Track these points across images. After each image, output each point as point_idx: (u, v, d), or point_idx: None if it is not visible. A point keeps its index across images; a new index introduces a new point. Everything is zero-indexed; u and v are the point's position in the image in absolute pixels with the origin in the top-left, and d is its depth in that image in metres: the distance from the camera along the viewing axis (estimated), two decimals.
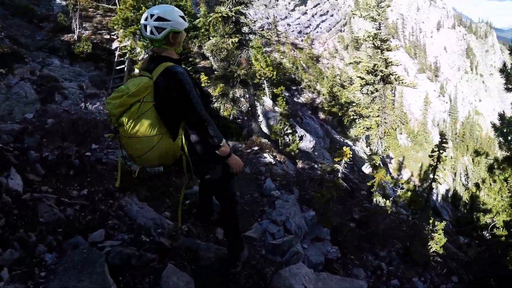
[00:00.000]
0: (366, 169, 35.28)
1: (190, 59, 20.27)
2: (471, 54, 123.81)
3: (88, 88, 10.97)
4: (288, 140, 14.34)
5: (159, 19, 3.46)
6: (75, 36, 20.22)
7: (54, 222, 4.74)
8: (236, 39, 14.58)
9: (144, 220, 5.15)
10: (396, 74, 16.40)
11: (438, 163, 13.94)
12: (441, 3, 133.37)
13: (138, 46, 19.29)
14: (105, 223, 4.99)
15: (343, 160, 9.33)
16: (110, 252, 4.27)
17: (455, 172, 74.29)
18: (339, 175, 9.41)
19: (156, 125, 3.42)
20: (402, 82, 16.62)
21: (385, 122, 16.43)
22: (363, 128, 16.80)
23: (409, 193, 17.21)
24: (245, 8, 14.97)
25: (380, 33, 16.60)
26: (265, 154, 8.57)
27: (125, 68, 19.25)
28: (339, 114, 41.41)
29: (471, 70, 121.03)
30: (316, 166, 10.78)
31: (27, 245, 4.18)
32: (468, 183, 63.60)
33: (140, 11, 18.37)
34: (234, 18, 14.45)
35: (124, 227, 4.99)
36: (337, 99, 43.10)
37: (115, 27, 19.70)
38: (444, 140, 14.05)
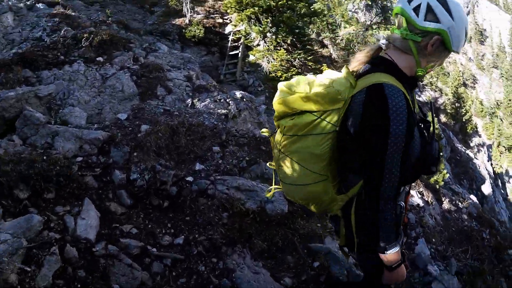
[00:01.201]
0: (487, 188, 31.17)
1: (308, 47, 18.41)
2: None
3: (198, 77, 9.54)
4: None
5: (444, 3, 1.95)
6: (187, 20, 19.17)
7: None
8: (389, 32, 12.22)
9: None
10: None
11: None
12: None
13: (253, 31, 17.78)
14: None
15: None
16: None
17: None
18: None
19: (322, 162, 2.10)
20: None
21: None
22: None
23: None
24: None
25: None
26: (412, 192, 6.47)
27: (239, 54, 17.92)
28: (463, 120, 37.04)
29: None
30: (460, 205, 8.45)
31: None
32: None
33: None
34: (381, 3, 12.24)
35: None
36: (462, 101, 38.55)
37: (228, 11, 18.40)
38: None
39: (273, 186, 2.55)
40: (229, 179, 4.63)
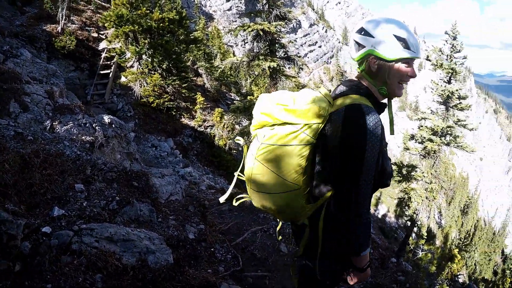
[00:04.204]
0: None
1: (183, 74, 17.95)
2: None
3: (62, 95, 8.47)
4: None
5: (362, 30, 2.26)
6: (59, 28, 17.55)
7: None
8: (275, 64, 12.17)
9: None
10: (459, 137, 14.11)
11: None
12: (424, 45, 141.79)
13: (129, 50, 16.85)
14: None
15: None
16: None
17: (430, 209, 76.41)
18: None
19: (297, 172, 2.25)
20: (462, 147, 14.31)
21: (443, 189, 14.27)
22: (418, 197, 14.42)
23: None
24: (285, 26, 12.72)
25: (460, 89, 14.29)
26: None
27: (110, 74, 16.78)
28: None
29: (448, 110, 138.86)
30: None
31: None
32: (441, 221, 65.18)
33: (139, 11, 15.99)
34: (270, 36, 12.13)
35: None
36: None
37: (105, 25, 17.25)
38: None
39: (243, 195, 2.62)
40: (98, 228, 3.79)
